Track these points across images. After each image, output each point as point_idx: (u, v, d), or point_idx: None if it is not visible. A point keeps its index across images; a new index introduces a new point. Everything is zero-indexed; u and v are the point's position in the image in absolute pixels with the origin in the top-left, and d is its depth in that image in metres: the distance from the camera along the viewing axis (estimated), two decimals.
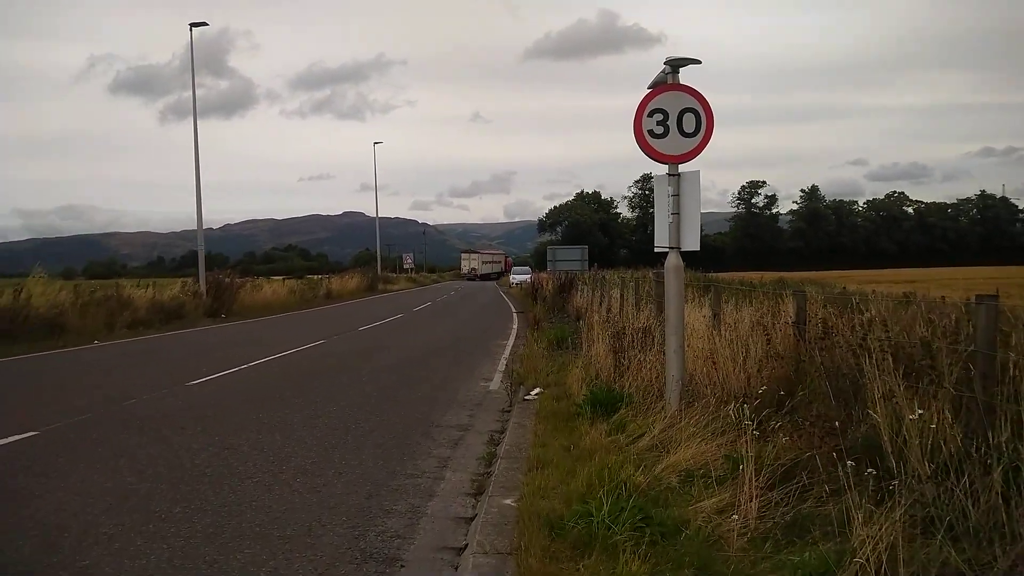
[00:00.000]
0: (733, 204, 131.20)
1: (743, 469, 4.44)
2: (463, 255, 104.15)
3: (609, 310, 16.32)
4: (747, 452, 4.51)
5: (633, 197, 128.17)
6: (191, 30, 27.40)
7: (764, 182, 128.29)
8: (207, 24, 27.80)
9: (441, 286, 71.10)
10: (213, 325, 23.24)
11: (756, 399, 6.06)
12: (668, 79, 6.25)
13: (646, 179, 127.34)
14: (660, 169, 6.32)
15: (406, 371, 11.49)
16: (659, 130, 6.19)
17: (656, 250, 6.40)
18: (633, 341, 8.65)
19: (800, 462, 4.68)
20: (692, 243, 6.14)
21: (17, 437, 6.97)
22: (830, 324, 6.01)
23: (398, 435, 7.16)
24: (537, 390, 9.24)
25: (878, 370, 4.69)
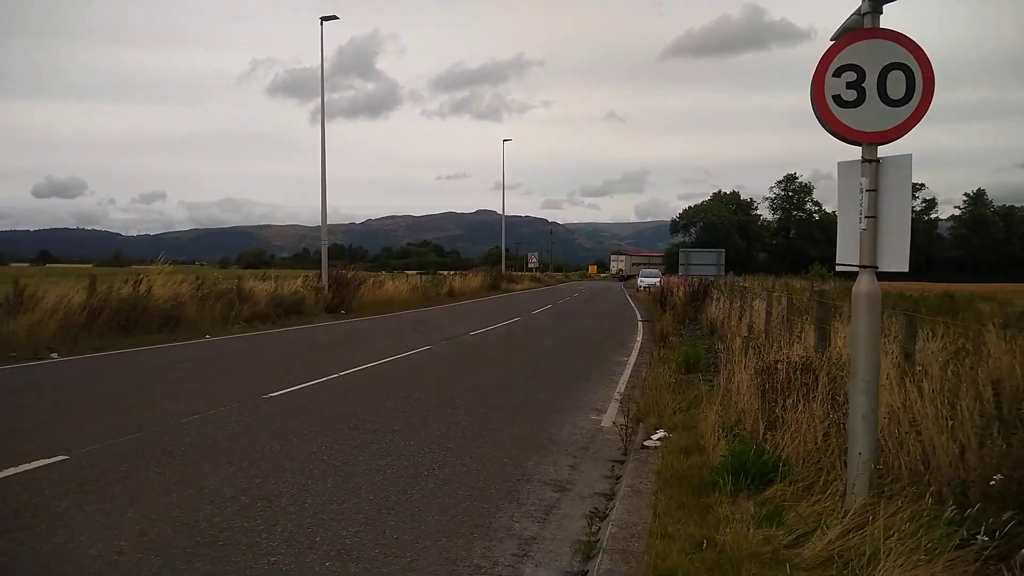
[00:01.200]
0: None
1: None
2: (612, 256, 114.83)
3: (751, 327, 14.11)
4: None
5: (775, 199, 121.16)
6: (322, 24, 27.27)
7: (922, 184, 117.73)
8: (337, 18, 27.57)
9: (565, 287, 69.50)
10: (331, 321, 22.80)
11: (985, 490, 4.08)
12: (864, 22, 4.30)
13: (789, 180, 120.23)
14: (849, 153, 4.38)
15: (506, 393, 9.94)
16: (849, 95, 4.26)
17: (839, 269, 4.46)
18: (789, 381, 6.67)
19: None
20: (897, 260, 4.16)
21: (41, 463, 5.98)
22: None
23: (475, 492, 5.60)
24: (660, 434, 7.42)
25: None
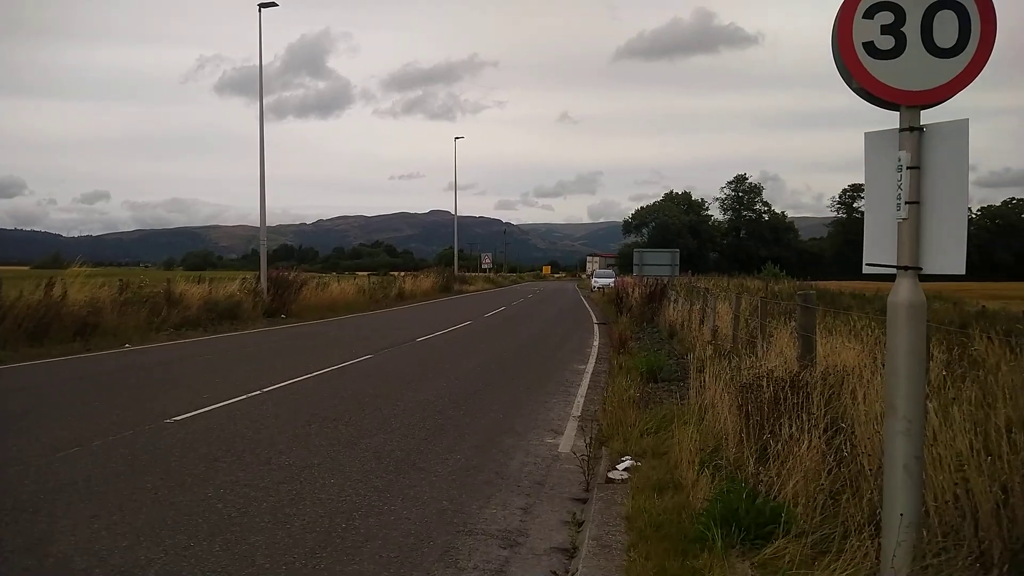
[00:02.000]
0: (832, 208, 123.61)
1: None
2: (588, 258, 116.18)
3: (716, 331, 13.23)
4: None
5: (725, 199, 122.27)
6: (260, 11, 25.69)
7: None
8: (276, 4, 25.97)
9: (520, 288, 68.55)
10: (268, 328, 21.31)
11: None
12: None
13: (739, 180, 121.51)
14: (884, 119, 3.37)
15: (451, 411, 8.79)
16: (885, 43, 3.25)
17: (867, 270, 3.44)
18: (777, 401, 5.69)
19: None
20: (950, 259, 3.16)
21: None
22: None
23: (403, 553, 4.44)
24: (627, 462, 6.38)
25: None
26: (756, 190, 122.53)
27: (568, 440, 7.46)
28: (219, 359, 14.01)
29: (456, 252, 66.89)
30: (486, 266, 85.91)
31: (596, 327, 22.58)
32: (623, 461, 6.44)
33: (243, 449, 6.74)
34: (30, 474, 5.77)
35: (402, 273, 56.40)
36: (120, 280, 19.95)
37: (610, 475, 6.13)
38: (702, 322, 15.63)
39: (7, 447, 6.63)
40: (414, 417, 8.37)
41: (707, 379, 7.48)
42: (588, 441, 6.73)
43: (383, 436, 7.42)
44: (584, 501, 5.58)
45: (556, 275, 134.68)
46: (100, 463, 6.13)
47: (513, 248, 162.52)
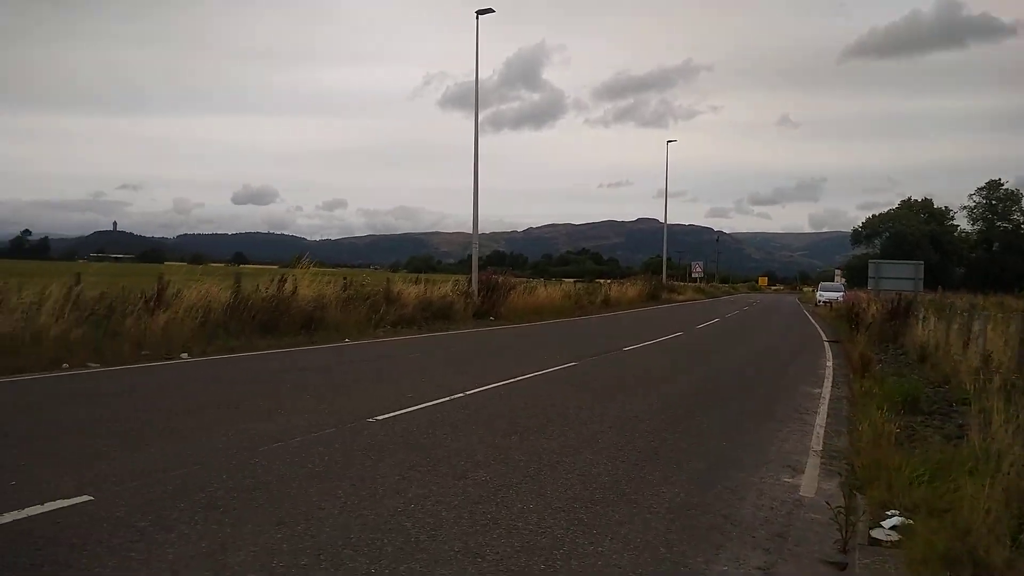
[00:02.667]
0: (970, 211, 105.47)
1: None
2: (837, 271, 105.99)
3: (988, 358, 10.95)
4: None
5: (975, 208, 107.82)
6: (477, 17, 26.22)
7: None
8: (493, 11, 26.38)
9: (734, 299, 65.07)
10: (476, 328, 21.52)
11: None
12: None
13: (992, 187, 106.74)
14: None
15: (665, 433, 7.77)
16: None
17: None
18: None
19: None
20: None
21: (58, 504, 4.65)
22: None
23: None
24: (895, 518, 5.03)
25: None
26: (1014, 197, 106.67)
27: (811, 481, 6.16)
28: (428, 358, 14.04)
29: (664, 260, 64.96)
30: (697, 275, 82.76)
31: (827, 345, 20.24)
32: (889, 516, 5.10)
33: (439, 458, 6.24)
34: (229, 469, 5.64)
35: (608, 280, 55.65)
36: (344, 278, 21.08)
37: (873, 533, 4.84)
38: (966, 345, 13.18)
39: (218, 436, 6.66)
40: (623, 436, 7.47)
41: (993, 415, 5.88)
42: (841, 486, 5.44)
43: (589, 455, 6.60)
44: (842, 567, 4.37)
45: (773, 287, 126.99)
46: (297, 462, 5.90)
47: (725, 257, 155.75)
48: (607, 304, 36.52)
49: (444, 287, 25.08)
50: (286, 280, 17.74)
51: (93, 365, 11.04)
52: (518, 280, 31.80)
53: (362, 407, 8.27)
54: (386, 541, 4.33)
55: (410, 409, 8.26)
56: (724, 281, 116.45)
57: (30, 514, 4.44)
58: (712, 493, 5.69)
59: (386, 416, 7.81)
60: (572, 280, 50.49)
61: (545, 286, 34.05)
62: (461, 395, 9.34)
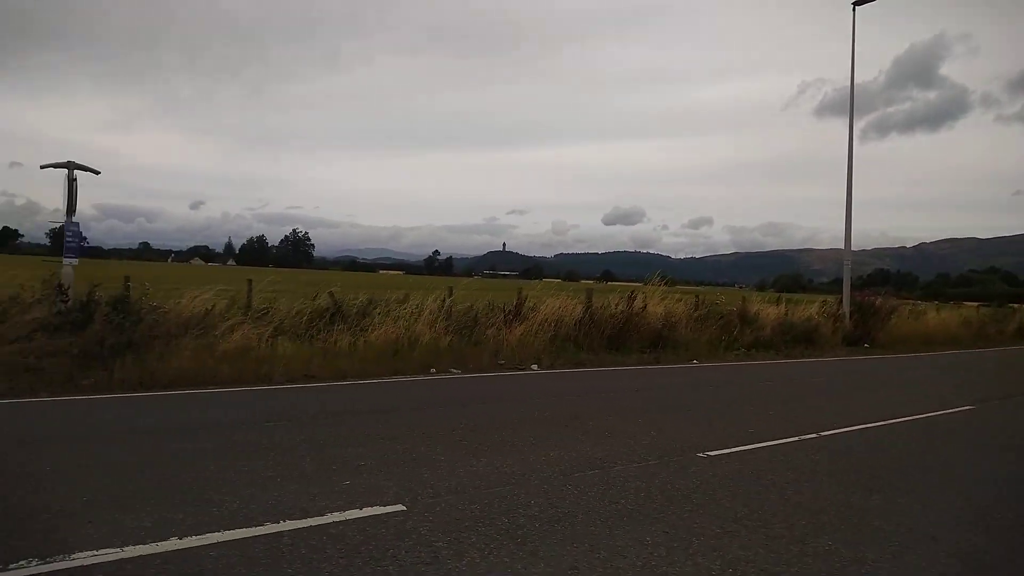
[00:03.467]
0: None
1: None
2: None
3: None
4: None
5: None
6: (854, 9, 23.52)
7: None
8: None
9: None
10: (846, 356, 19.14)
11: None
12: None
13: None
14: None
15: None
16: None
17: None
18: None
19: None
20: None
21: (373, 511, 4.81)
22: None
23: None
24: None
25: None
26: None
27: None
28: (782, 387, 12.65)
29: None
30: None
31: None
32: None
33: (774, 513, 5.24)
34: (540, 493, 5.37)
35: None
36: (696, 296, 20.35)
37: None
38: None
39: (542, 454, 6.50)
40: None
41: None
42: None
43: (980, 537, 4.99)
44: None
45: None
46: (610, 495, 5.42)
47: None
48: (1022, 334, 30.02)
49: (809, 308, 22.85)
50: (635, 297, 17.63)
51: (455, 371, 11.98)
52: (902, 302, 27.77)
53: (693, 438, 7.53)
54: None
55: (748, 447, 7.28)
56: None
57: (347, 518, 4.63)
58: None
59: (718, 452, 6.96)
60: (975, 304, 42.75)
61: (938, 310, 29.22)
62: (814, 436, 8.03)
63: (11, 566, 3.69)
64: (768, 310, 21.76)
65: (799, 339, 20.54)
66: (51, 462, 5.60)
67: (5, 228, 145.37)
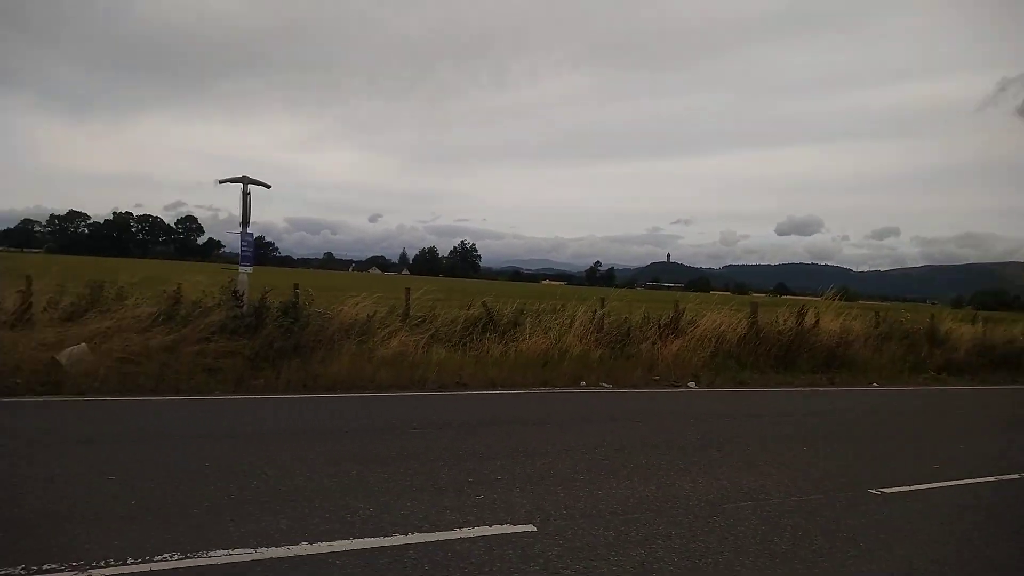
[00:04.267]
0: None
1: None
2: None
3: None
4: None
5: None
6: None
7: None
8: None
9: None
10: None
11: None
12: None
13: None
14: None
15: None
16: None
17: None
18: None
19: None
20: None
21: (503, 529, 4.64)
22: None
23: None
24: None
25: None
26: None
27: None
28: (976, 416, 11.21)
29: None
30: None
31: None
32: None
33: (957, 568, 4.50)
34: (682, 524, 4.95)
35: None
36: (876, 313, 18.63)
37: None
38: None
39: (688, 480, 6.06)
40: None
41: None
42: None
43: None
44: None
45: None
46: (762, 532, 4.90)
47: None
48: None
49: (1013, 328, 20.23)
50: (806, 312, 16.40)
51: (606, 385, 11.65)
52: None
53: (867, 472, 6.75)
54: None
55: (932, 485, 6.40)
56: None
57: (476, 534, 4.49)
58: None
59: (894, 490, 6.17)
60: None
61: None
62: (1015, 476, 6.95)
63: (155, 558, 3.87)
64: (962, 329, 19.50)
65: (1000, 363, 18.21)
66: (211, 458, 5.94)
67: (210, 239, 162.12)
